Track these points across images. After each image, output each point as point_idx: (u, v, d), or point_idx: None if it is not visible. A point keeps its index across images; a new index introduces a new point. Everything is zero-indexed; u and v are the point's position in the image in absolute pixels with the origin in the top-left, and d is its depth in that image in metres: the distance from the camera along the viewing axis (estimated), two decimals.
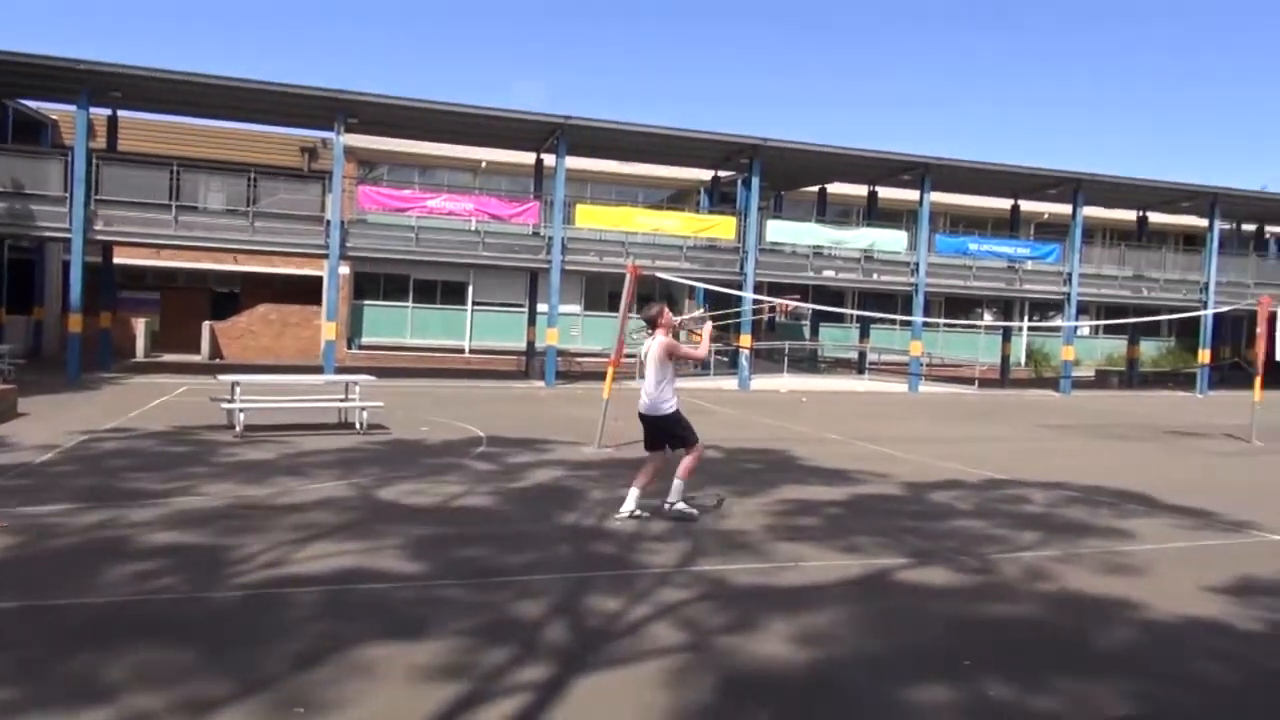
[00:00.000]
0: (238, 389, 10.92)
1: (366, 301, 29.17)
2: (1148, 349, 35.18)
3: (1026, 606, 4.91)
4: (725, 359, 26.77)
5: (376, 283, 29.13)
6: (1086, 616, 4.73)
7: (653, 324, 7.13)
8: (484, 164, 28.92)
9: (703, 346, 7.56)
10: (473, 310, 30.23)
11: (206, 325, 26.95)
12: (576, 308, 30.77)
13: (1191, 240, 31.69)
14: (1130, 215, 31.25)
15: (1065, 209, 27.13)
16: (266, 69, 65.90)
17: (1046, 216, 32.95)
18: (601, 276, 26.72)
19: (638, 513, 6.66)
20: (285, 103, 19.69)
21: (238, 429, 10.54)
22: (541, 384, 21.28)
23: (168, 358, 25.50)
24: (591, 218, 22.22)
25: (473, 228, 22.37)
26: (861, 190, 28.26)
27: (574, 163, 24.18)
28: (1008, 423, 16.18)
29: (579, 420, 12.92)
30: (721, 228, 23.18)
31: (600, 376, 11.32)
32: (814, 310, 29.48)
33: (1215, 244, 27.26)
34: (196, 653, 3.78)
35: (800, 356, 29.38)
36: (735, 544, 6.04)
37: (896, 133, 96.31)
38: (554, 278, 21.28)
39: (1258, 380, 14.46)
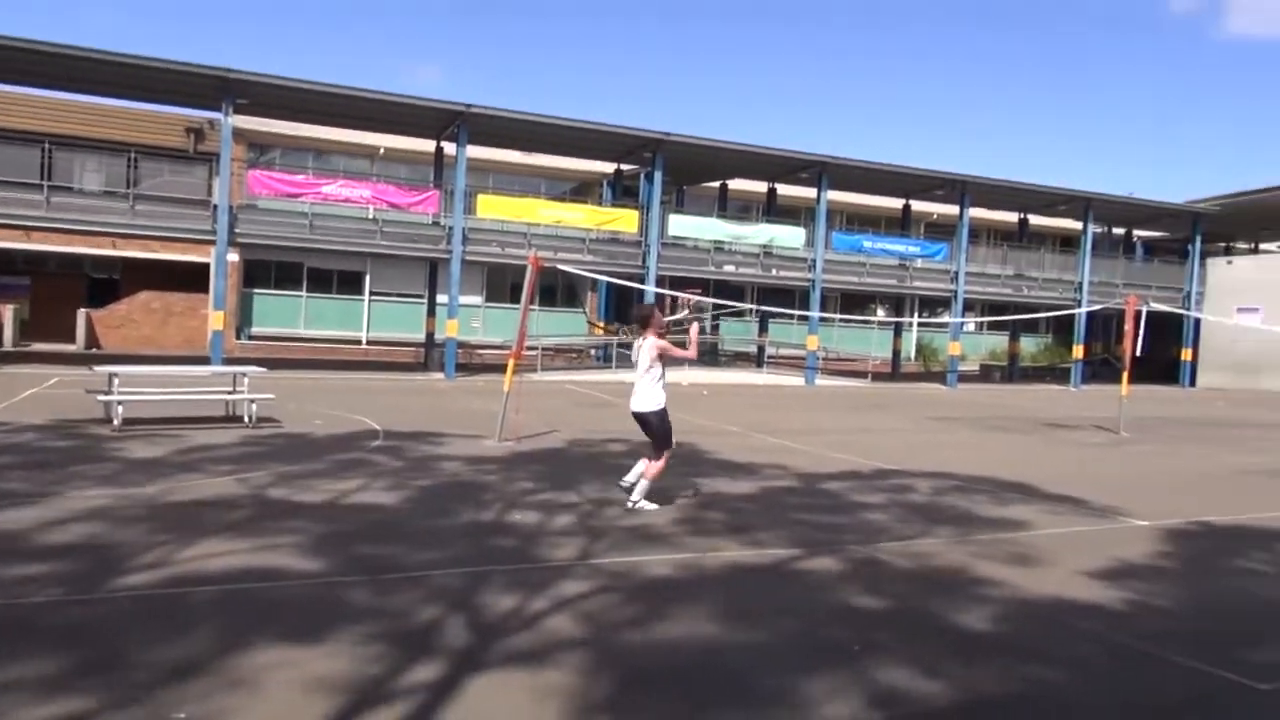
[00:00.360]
0: (115, 380, 10.38)
1: (257, 290, 28.13)
2: (1028, 345, 36.99)
3: (912, 593, 5.11)
4: (627, 351, 26.91)
5: (268, 270, 28.12)
6: (969, 601, 4.95)
7: (644, 325, 7.40)
8: (382, 151, 28.27)
9: (692, 347, 7.65)
10: (370, 300, 29.53)
11: (82, 313, 25.45)
12: (478, 299, 30.39)
13: (1068, 242, 33.46)
14: (1012, 217, 32.78)
15: (952, 210, 28.24)
16: (156, 48, 62.67)
17: (935, 217, 34.23)
18: (504, 268, 26.48)
19: (637, 501, 6.94)
20: (170, 80, 18.73)
21: (116, 422, 10.01)
22: (441, 376, 20.94)
23: (39, 347, 24.00)
24: (493, 208, 21.96)
25: (370, 216, 21.81)
26: (762, 187, 28.81)
27: (476, 152, 23.86)
28: (898, 415, 16.77)
29: (480, 413, 12.79)
30: (624, 221, 23.25)
31: (502, 369, 11.21)
32: (715, 305, 29.93)
33: (1089, 246, 28.85)
34: (70, 661, 3.58)
35: (702, 350, 29.69)
36: (637, 536, 6.09)
37: (796, 132, 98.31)
38: (454, 268, 20.96)
39: (1125, 375, 15.38)
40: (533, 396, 16.52)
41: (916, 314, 37.04)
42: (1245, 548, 6.53)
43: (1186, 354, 30.57)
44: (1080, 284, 28.61)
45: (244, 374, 11.63)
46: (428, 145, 24.13)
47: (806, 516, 7.06)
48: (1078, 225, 29.92)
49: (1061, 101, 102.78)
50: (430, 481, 7.84)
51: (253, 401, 11.10)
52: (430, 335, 25.07)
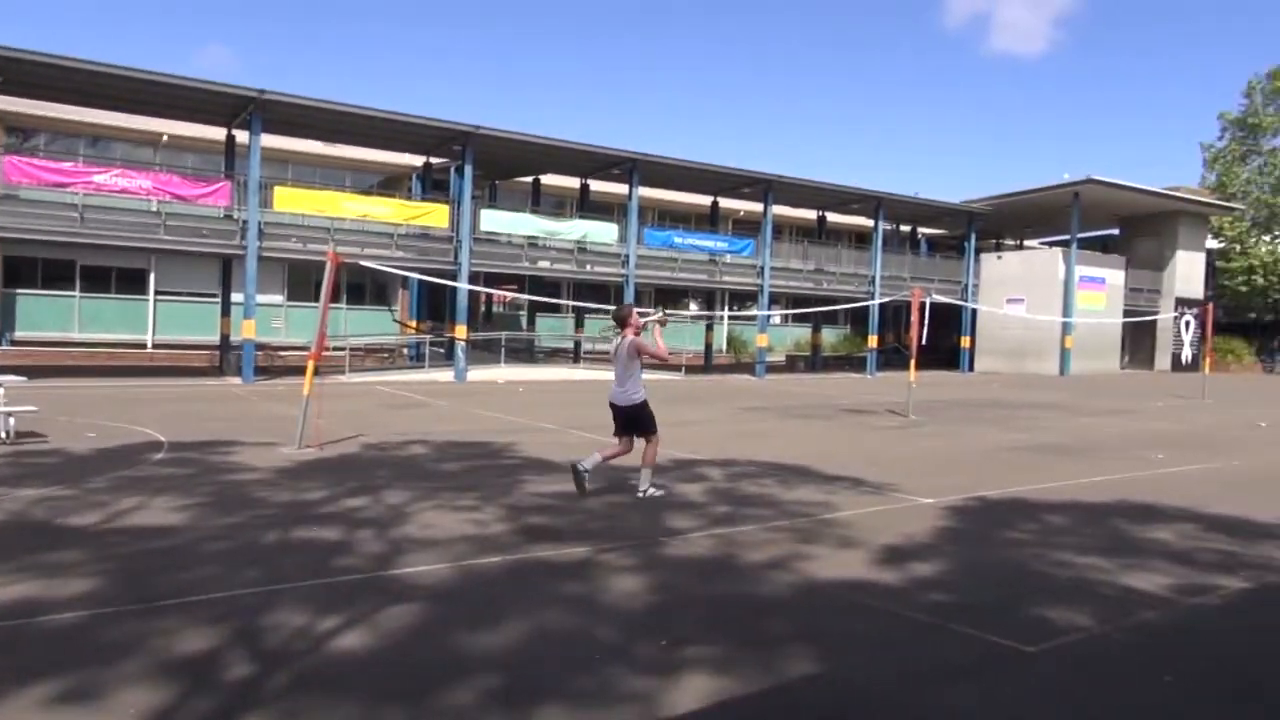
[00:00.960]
0: None
1: (21, 290, 25.39)
2: (828, 336, 39.14)
3: (709, 582, 5.21)
4: (441, 350, 26.27)
5: (34, 268, 25.41)
6: (764, 586, 5.11)
7: (622, 323, 7.91)
8: (166, 138, 26.17)
9: (661, 344, 8.07)
10: (156, 300, 27.30)
11: None
12: (279, 297, 28.79)
13: (862, 239, 35.70)
14: (812, 215, 34.58)
15: (758, 207, 29.43)
16: None
17: (742, 214, 35.56)
18: (307, 264, 25.16)
19: (648, 489, 7.56)
20: None
21: None
22: (238, 381, 19.65)
23: None
24: (292, 201, 20.81)
25: (154, 208, 20.11)
26: (575, 182, 28.88)
27: (272, 141, 22.53)
28: (711, 407, 17.26)
29: (280, 419, 12.06)
30: (435, 216, 22.64)
31: (305, 372, 10.59)
32: (530, 300, 29.75)
33: (880, 242, 30.88)
34: None
35: (518, 347, 29.48)
36: (435, 543, 5.88)
37: (614, 130, 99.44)
38: (250, 265, 19.69)
39: (913, 363, 16.54)
40: (340, 399, 15.79)
41: (727, 308, 38.34)
42: (1015, 519, 7.12)
43: (965, 341, 33.33)
44: (873, 278, 30.56)
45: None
46: (218, 133, 22.55)
47: (612, 512, 7.08)
48: (870, 222, 31.95)
49: (855, 107, 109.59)
50: (216, 496, 7.27)
51: (9, 415, 9.93)
52: (225, 337, 23.49)
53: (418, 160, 27.02)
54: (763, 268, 28.04)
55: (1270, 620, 4.79)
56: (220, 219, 20.37)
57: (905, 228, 39.50)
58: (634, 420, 7.74)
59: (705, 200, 32.32)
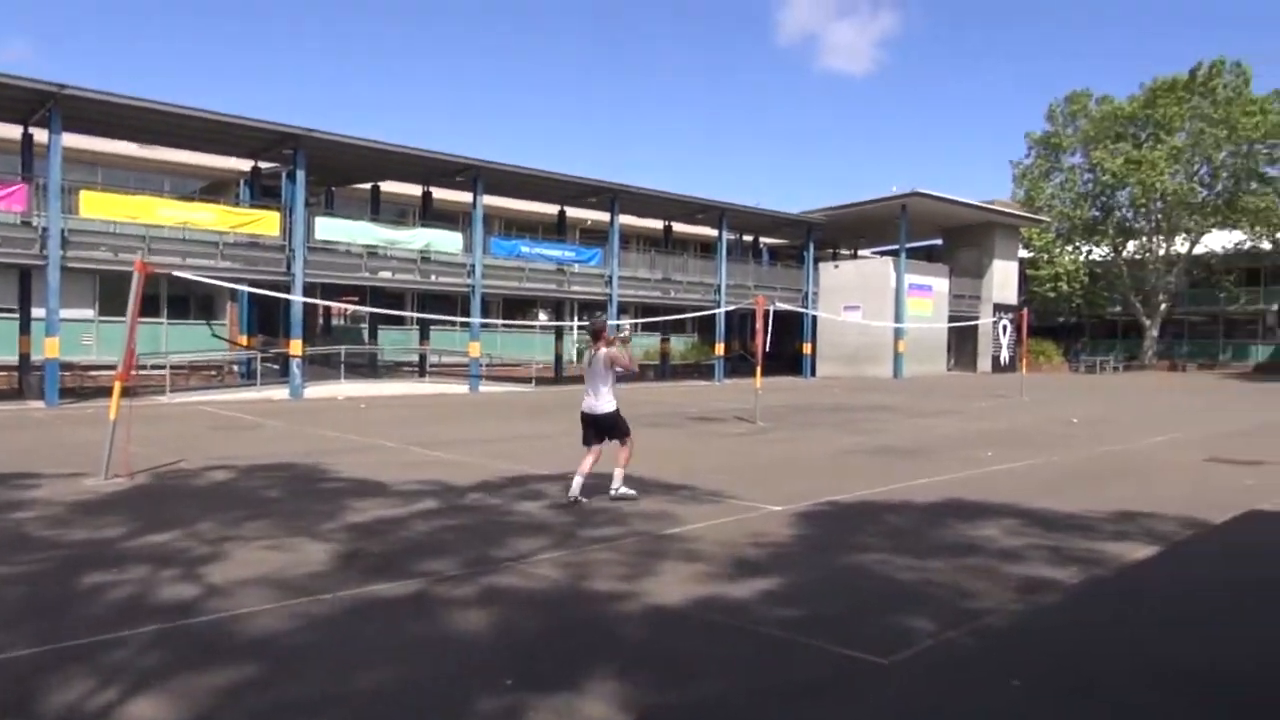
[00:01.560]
0: None
1: None
2: (677, 344, 39.66)
3: (556, 608, 4.94)
4: (275, 366, 24.81)
5: None
6: (609, 608, 4.88)
7: (596, 337, 8.29)
8: None
9: (631, 362, 8.48)
10: None
11: None
12: (89, 312, 26.47)
13: (707, 248, 36.35)
14: (659, 225, 34.95)
15: (605, 216, 29.42)
16: None
17: (589, 223, 35.53)
18: (121, 276, 23.12)
19: (578, 497, 7.81)
20: None
21: None
22: (41, 404, 17.81)
23: None
24: (100, 206, 19.08)
25: None
26: (417, 190, 28.00)
27: (78, 141, 20.68)
28: (559, 419, 16.95)
29: (85, 446, 10.89)
30: (265, 223, 21.32)
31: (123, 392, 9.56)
32: (372, 313, 28.58)
33: (724, 251, 31.53)
34: None
35: (359, 361, 28.26)
36: (252, 583, 5.33)
37: (457, 138, 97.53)
38: (53, 277, 17.92)
39: (758, 370, 16.82)
40: (159, 422, 14.52)
41: (576, 317, 38.20)
42: (862, 524, 7.21)
43: (807, 348, 34.50)
44: (719, 286, 31.15)
45: None
46: (13, 131, 20.44)
47: (447, 534, 6.68)
48: (715, 232, 32.57)
49: (698, 120, 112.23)
50: (1, 537, 6.39)
51: None
52: (25, 356, 21.30)
53: (246, 164, 25.44)
54: (611, 277, 28.04)
55: (1097, 616, 4.96)
56: (15, 225, 18.43)
57: (748, 238, 40.59)
58: (608, 427, 8.25)
59: (552, 210, 32.07)
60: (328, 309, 28.47)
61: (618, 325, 7.21)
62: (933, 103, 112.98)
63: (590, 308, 36.88)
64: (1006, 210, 41.16)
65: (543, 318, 37.53)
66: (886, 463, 10.94)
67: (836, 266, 37.77)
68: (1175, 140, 42.76)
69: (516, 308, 36.72)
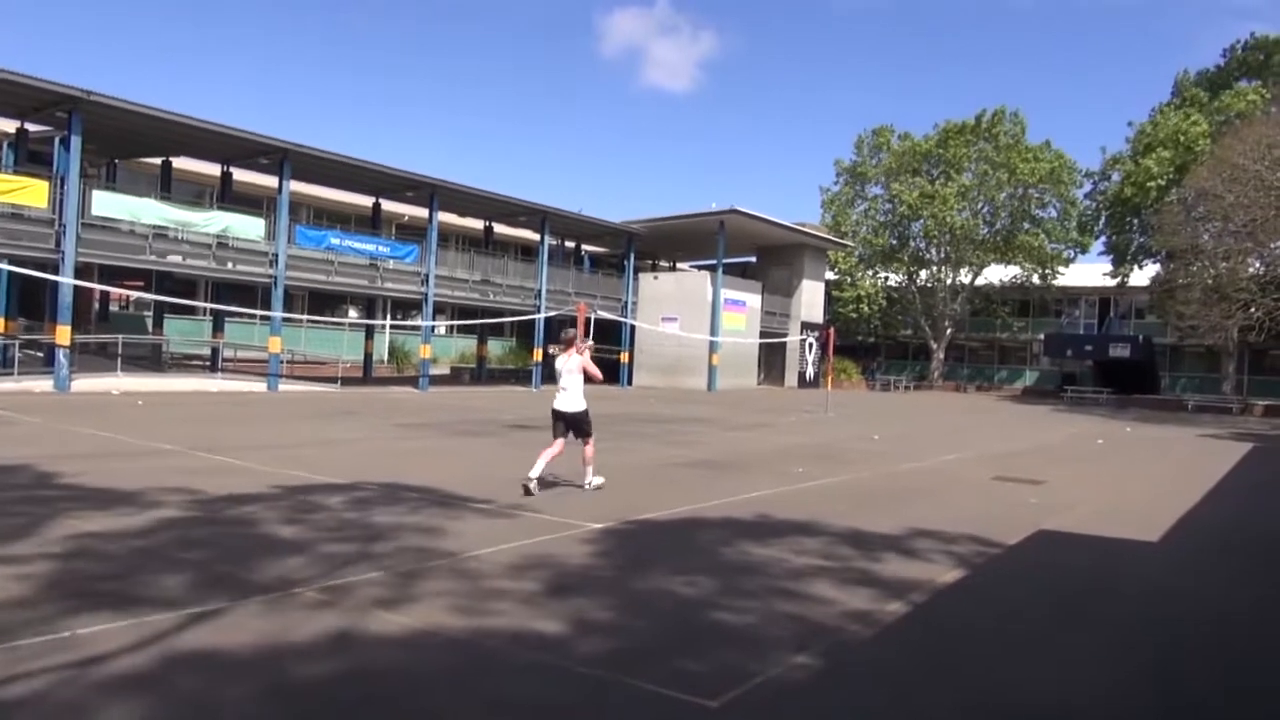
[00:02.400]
0: None
1: None
2: (495, 348, 38.82)
3: (323, 656, 4.31)
4: (39, 354, 22.12)
5: None
6: (390, 652, 4.33)
7: (569, 344, 9.44)
8: None
9: (594, 370, 9.52)
10: None
11: None
12: None
13: (528, 252, 35.82)
14: (479, 225, 34.09)
15: (424, 212, 28.30)
16: None
17: (407, 218, 34.16)
18: None
19: (540, 480, 8.93)
20: None
21: None
22: None
23: None
24: None
25: None
26: (216, 170, 25.85)
27: None
28: (364, 422, 15.97)
29: None
30: (30, 194, 18.88)
31: None
32: (157, 300, 26.12)
33: (545, 256, 31.12)
34: None
35: (140, 353, 25.72)
36: None
37: (266, 118, 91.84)
38: None
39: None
40: None
41: (389, 316, 36.59)
42: (680, 545, 6.98)
43: (625, 357, 34.64)
44: (539, 291, 30.69)
45: None
46: None
47: (202, 556, 5.86)
48: (536, 236, 32.11)
49: (523, 126, 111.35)
50: None
51: None
52: None
53: (10, 125, 22.52)
54: (427, 275, 26.96)
55: (920, 640, 4.93)
56: None
57: (570, 244, 40.37)
58: (577, 425, 9.29)
59: (367, 202, 30.54)
60: (105, 294, 25.73)
61: (574, 340, 8.09)
62: (750, 126, 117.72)
63: (405, 306, 35.49)
64: (815, 233, 43.17)
65: (354, 315, 35.67)
66: (704, 477, 10.88)
67: (656, 277, 38.24)
68: (963, 179, 46.43)
69: (325, 302, 34.71)
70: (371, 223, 30.12)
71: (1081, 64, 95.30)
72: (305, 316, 31.92)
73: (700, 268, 42.54)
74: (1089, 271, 48.76)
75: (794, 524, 7.89)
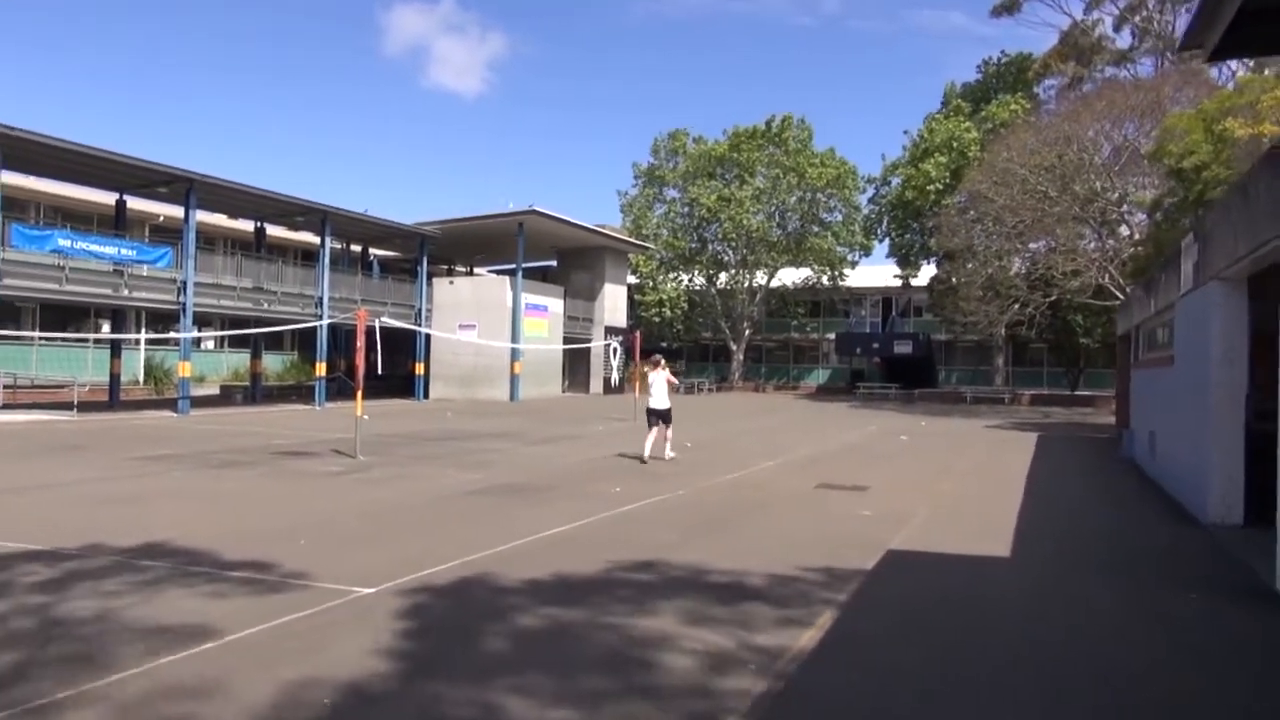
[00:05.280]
0: None
1: None
2: (272, 362, 35.28)
3: None
4: None
5: None
6: None
7: (656, 365, 14.45)
8: None
9: (675, 380, 14.63)
10: None
11: None
12: None
13: (309, 256, 32.69)
14: (251, 226, 30.73)
15: (182, 212, 24.90)
16: None
17: (163, 219, 30.33)
18: None
19: (670, 455, 13.98)
20: None
21: None
22: None
23: None
24: None
25: None
26: None
27: None
28: (94, 458, 13.21)
29: None
30: None
31: None
32: None
33: (327, 260, 28.34)
34: None
35: None
36: None
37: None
38: None
39: (358, 394, 14.51)
40: None
41: (144, 330, 32.31)
42: (486, 615, 5.50)
43: (419, 368, 32.34)
44: (320, 299, 27.92)
45: None
46: None
47: None
48: (318, 239, 29.26)
49: (302, 123, 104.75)
50: None
51: None
52: None
53: None
54: (185, 283, 23.65)
55: None
56: None
57: (357, 248, 37.42)
58: (665, 415, 13.84)
59: (111, 199, 26.58)
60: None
61: (656, 357, 15.00)
62: (546, 128, 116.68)
63: (164, 319, 31.37)
64: (616, 235, 42.52)
65: (106, 329, 31.17)
66: (508, 506, 9.39)
67: (452, 282, 36.12)
68: (757, 183, 47.42)
69: (69, 316, 30.12)
70: (115, 223, 26.19)
71: (858, 78, 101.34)
72: (35, 334, 27.43)
73: (499, 272, 40.75)
74: (874, 272, 51.22)
75: (621, 569, 6.59)
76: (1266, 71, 23.40)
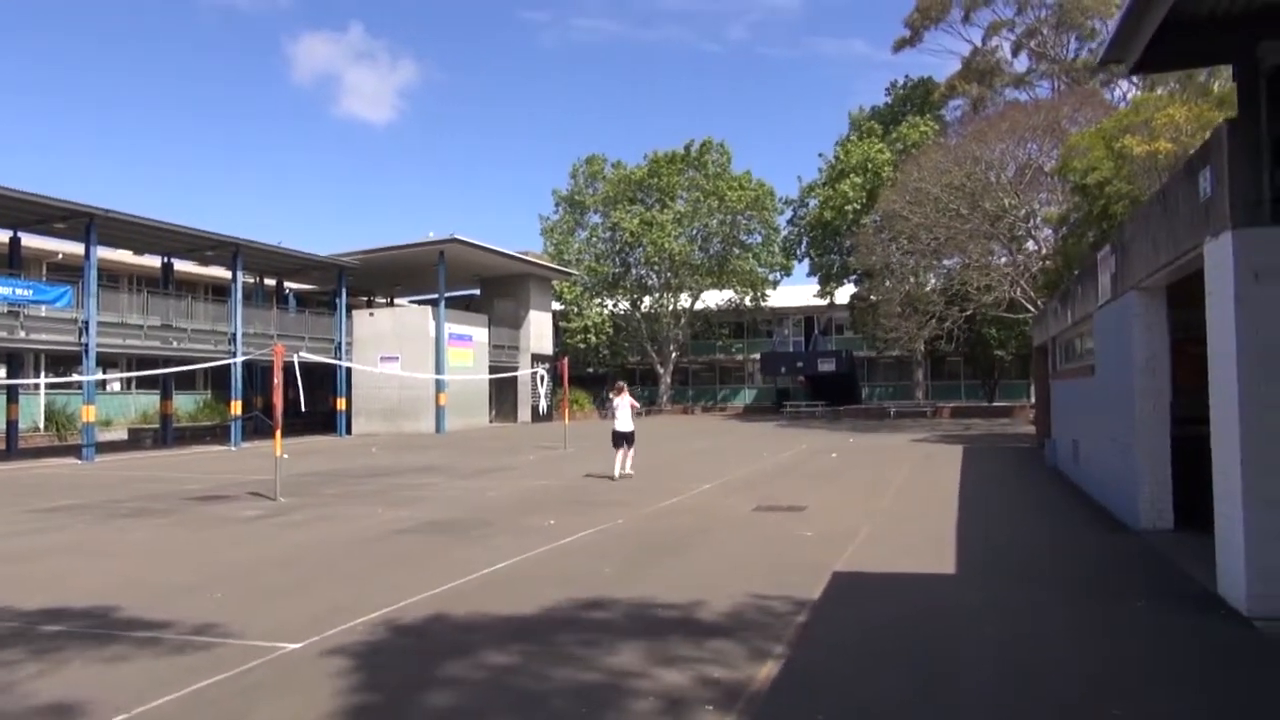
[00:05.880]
0: None
1: None
2: (184, 403, 33.87)
3: None
4: None
5: None
6: None
7: (619, 391, 15.54)
8: None
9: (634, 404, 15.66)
10: None
11: None
12: None
13: (221, 292, 31.52)
14: (158, 262, 29.49)
15: (82, 249, 23.72)
16: None
17: (61, 256, 28.90)
18: None
19: (627, 473, 14.84)
20: None
21: None
22: None
23: None
24: None
25: None
26: None
27: None
28: None
29: None
30: None
31: None
32: None
33: (239, 295, 27.35)
34: None
35: None
36: None
37: None
38: None
39: (277, 432, 13.86)
40: None
41: (44, 373, 30.63)
42: (426, 670, 5.15)
43: (341, 403, 31.41)
44: (234, 335, 26.89)
45: None
46: None
47: None
48: (229, 274, 28.22)
49: (210, 155, 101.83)
50: None
51: None
52: None
53: None
54: (87, 323, 22.48)
55: None
56: None
57: (271, 281, 36.29)
58: (628, 438, 14.96)
59: (4, 236, 25.18)
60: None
61: (620, 384, 16.38)
62: (463, 156, 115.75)
63: (65, 361, 29.81)
64: (539, 262, 42.22)
65: (2, 374, 29.39)
66: (439, 546, 9.00)
67: (372, 314, 35.28)
68: (678, 206, 47.75)
69: None
70: (9, 261, 24.81)
71: (769, 102, 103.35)
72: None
73: (421, 302, 40.01)
74: (795, 292, 51.99)
75: (564, 609, 6.29)
76: (1159, 90, 24.57)
